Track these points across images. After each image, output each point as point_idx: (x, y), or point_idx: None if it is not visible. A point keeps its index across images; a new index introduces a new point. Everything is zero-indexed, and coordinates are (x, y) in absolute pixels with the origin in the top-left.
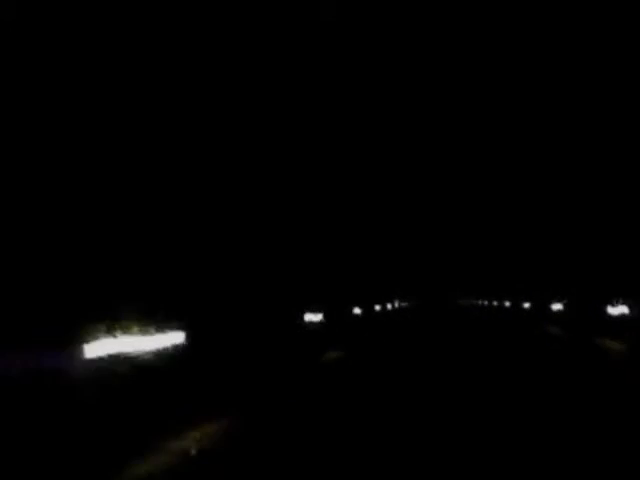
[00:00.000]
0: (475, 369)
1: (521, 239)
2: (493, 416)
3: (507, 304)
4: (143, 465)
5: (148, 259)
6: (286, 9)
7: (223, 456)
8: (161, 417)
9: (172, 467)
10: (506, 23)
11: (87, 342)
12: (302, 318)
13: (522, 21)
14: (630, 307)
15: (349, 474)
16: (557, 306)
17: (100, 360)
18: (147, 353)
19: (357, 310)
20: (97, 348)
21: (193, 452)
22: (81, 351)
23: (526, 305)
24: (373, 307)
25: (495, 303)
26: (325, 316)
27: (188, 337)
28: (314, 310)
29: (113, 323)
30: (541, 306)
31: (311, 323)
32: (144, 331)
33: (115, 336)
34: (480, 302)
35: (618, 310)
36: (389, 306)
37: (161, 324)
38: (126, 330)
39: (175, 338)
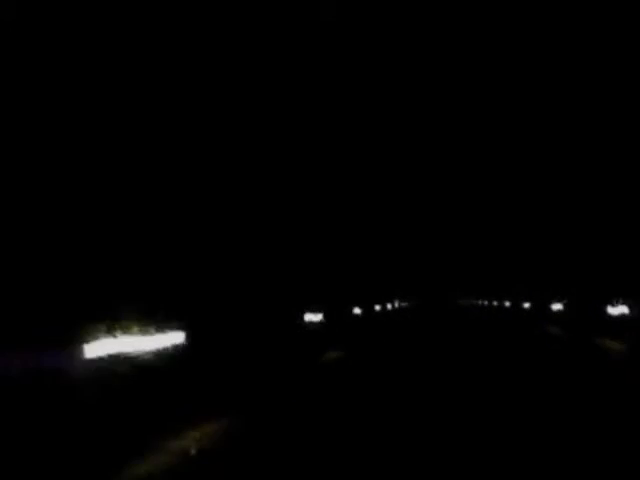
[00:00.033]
0: (475, 368)
1: (521, 240)
2: (491, 414)
3: (507, 304)
4: (143, 465)
5: (148, 259)
6: (286, 9)
7: (223, 456)
8: (161, 417)
9: (172, 467)
10: (506, 23)
11: (87, 342)
12: (302, 318)
13: (522, 21)
14: (630, 307)
15: (348, 472)
16: (557, 306)
17: (100, 360)
18: (147, 353)
19: (357, 310)
20: (97, 348)
21: (193, 452)
22: (81, 351)
23: (526, 305)
24: (373, 307)
25: (495, 303)
26: (325, 316)
27: (188, 337)
28: (314, 310)
29: (113, 323)
30: (541, 306)
31: (311, 323)
32: (144, 331)
33: (115, 336)
34: (480, 302)
35: (618, 310)
36: (389, 306)
37: (161, 324)
38: (126, 330)
39: (175, 338)
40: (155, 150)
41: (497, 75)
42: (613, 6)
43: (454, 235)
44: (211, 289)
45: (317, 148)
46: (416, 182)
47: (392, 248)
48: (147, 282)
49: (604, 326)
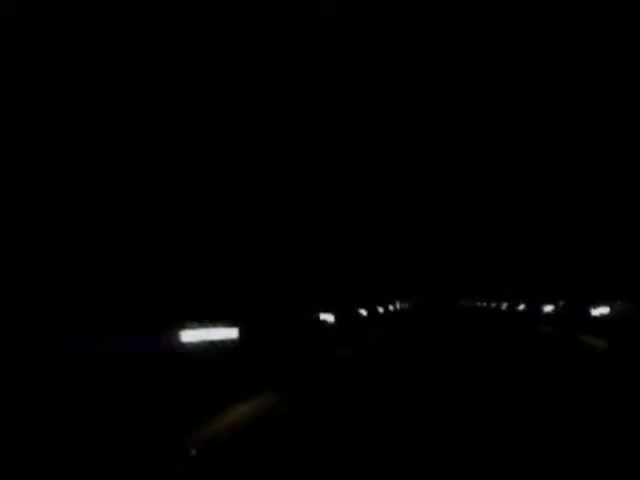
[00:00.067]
0: (475, 359)
1: (518, 246)
2: (489, 400)
3: (504, 305)
4: (224, 418)
5: (209, 272)
6: (287, 5)
7: (276, 420)
8: (231, 386)
9: (237, 424)
10: (506, 23)
11: (182, 330)
12: (318, 318)
13: (522, 21)
14: (611, 307)
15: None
16: (548, 308)
17: (190, 343)
18: (217, 341)
19: (363, 311)
20: (187, 335)
21: (257, 414)
22: (179, 336)
23: (521, 307)
24: (376, 308)
25: (493, 304)
26: (336, 316)
27: (240, 332)
28: (326, 310)
29: (194, 319)
30: (534, 308)
31: (325, 322)
32: (213, 325)
33: (196, 328)
34: (479, 303)
35: (599, 311)
36: (391, 307)
37: (223, 321)
38: (203, 324)
39: (232, 333)
40: (177, 158)
41: (497, 75)
42: (613, 6)
43: (455, 242)
44: (254, 296)
45: (318, 152)
46: (416, 190)
47: (395, 252)
48: (211, 290)
49: (587, 325)
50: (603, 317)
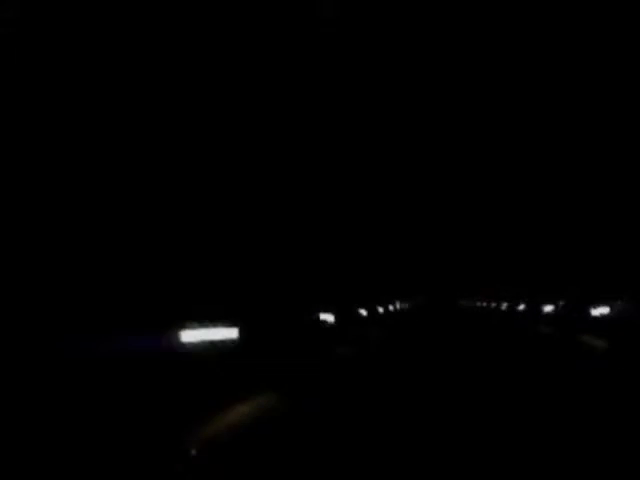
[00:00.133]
0: (476, 358)
1: (517, 247)
2: (489, 400)
3: (504, 305)
4: (224, 418)
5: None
6: (287, 5)
7: (276, 420)
8: (231, 386)
9: (237, 424)
10: (507, 23)
11: (182, 330)
12: (318, 318)
13: (522, 21)
14: (611, 307)
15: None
16: (548, 308)
17: (189, 343)
18: (217, 341)
19: (363, 311)
20: (187, 335)
21: (256, 413)
22: (179, 336)
23: (521, 307)
24: (376, 308)
25: (494, 305)
26: (336, 316)
27: (240, 332)
28: (326, 310)
29: (194, 319)
30: (534, 308)
31: (325, 322)
32: (213, 325)
33: (196, 328)
34: (479, 303)
35: (599, 311)
36: (391, 307)
37: (223, 322)
38: (202, 325)
39: (232, 332)
40: (177, 158)
41: (497, 75)
42: (613, 6)
43: (455, 241)
44: (254, 296)
45: (317, 152)
46: (416, 190)
47: (395, 252)
48: (211, 290)
49: (587, 325)
50: (603, 317)
